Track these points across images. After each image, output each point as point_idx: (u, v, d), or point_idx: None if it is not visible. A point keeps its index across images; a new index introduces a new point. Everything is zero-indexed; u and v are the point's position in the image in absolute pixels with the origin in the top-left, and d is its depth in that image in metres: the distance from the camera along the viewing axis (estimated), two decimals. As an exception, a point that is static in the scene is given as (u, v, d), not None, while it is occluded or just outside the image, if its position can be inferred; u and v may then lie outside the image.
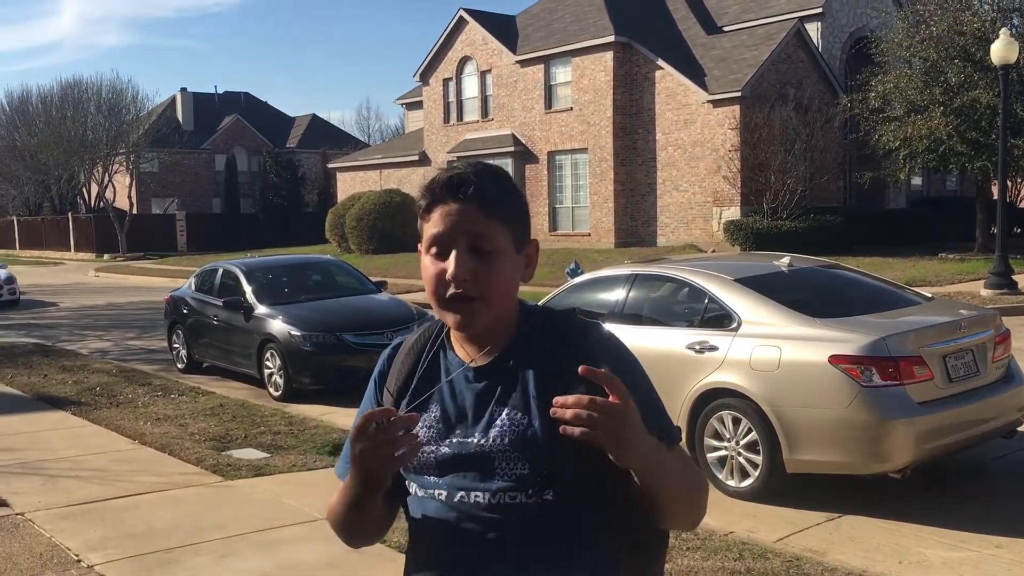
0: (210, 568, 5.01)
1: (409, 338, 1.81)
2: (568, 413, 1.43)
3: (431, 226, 1.63)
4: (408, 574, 1.73)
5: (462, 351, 1.71)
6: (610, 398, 1.44)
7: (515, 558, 1.59)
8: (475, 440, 1.62)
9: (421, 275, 1.68)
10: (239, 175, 53.20)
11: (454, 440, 1.64)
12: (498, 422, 1.61)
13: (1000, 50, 15.62)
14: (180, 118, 56.49)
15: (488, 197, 1.62)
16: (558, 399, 1.45)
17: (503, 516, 1.59)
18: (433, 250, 1.63)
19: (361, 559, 5.08)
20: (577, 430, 1.43)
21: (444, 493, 1.64)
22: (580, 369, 1.46)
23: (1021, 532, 5.16)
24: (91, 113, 48.95)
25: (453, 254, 1.60)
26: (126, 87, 49.65)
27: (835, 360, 5.51)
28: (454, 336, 1.72)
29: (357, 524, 1.72)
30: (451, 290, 1.60)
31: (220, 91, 61.48)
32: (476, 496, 1.61)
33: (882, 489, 5.79)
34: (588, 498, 1.60)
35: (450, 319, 1.65)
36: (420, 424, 1.65)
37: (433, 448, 1.65)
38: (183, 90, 58.36)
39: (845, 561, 4.78)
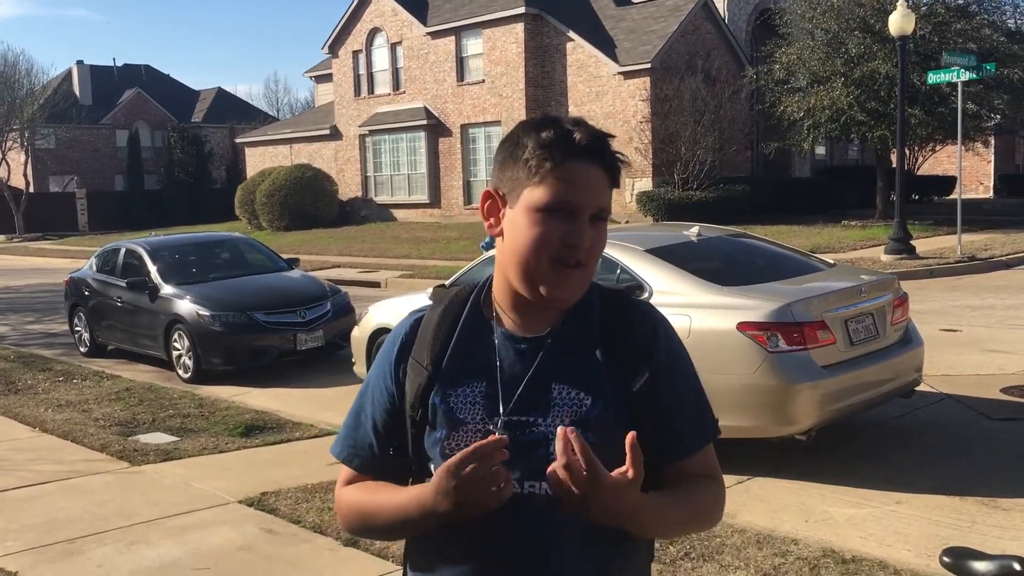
0: (117, 557, 4.86)
1: (435, 306, 1.65)
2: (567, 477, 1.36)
3: (558, 183, 1.47)
4: (423, 568, 1.59)
5: (509, 320, 1.58)
6: (628, 471, 1.38)
7: (577, 546, 1.50)
8: (538, 425, 1.50)
9: (511, 230, 1.52)
10: (142, 151, 51.30)
11: (506, 419, 1.51)
12: (557, 401, 1.50)
13: (897, 21, 16.10)
14: (78, 92, 54.11)
15: (615, 166, 1.53)
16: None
17: (548, 509, 1.47)
18: (554, 211, 1.48)
19: (275, 540, 5.00)
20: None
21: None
22: (566, 431, 1.36)
23: (920, 488, 5.38)
24: (-18, 87, 46.51)
25: (580, 220, 1.48)
26: (18, 59, 47.39)
27: (743, 327, 5.62)
28: (502, 303, 1.58)
29: (404, 533, 1.59)
30: (563, 255, 1.48)
31: (119, 64, 59.18)
32: (530, 487, 1.48)
33: (789, 451, 5.96)
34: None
35: (546, 286, 1.50)
36: (463, 399, 1.54)
37: (480, 427, 1.51)
38: (80, 63, 55.88)
39: (754, 522, 4.91)
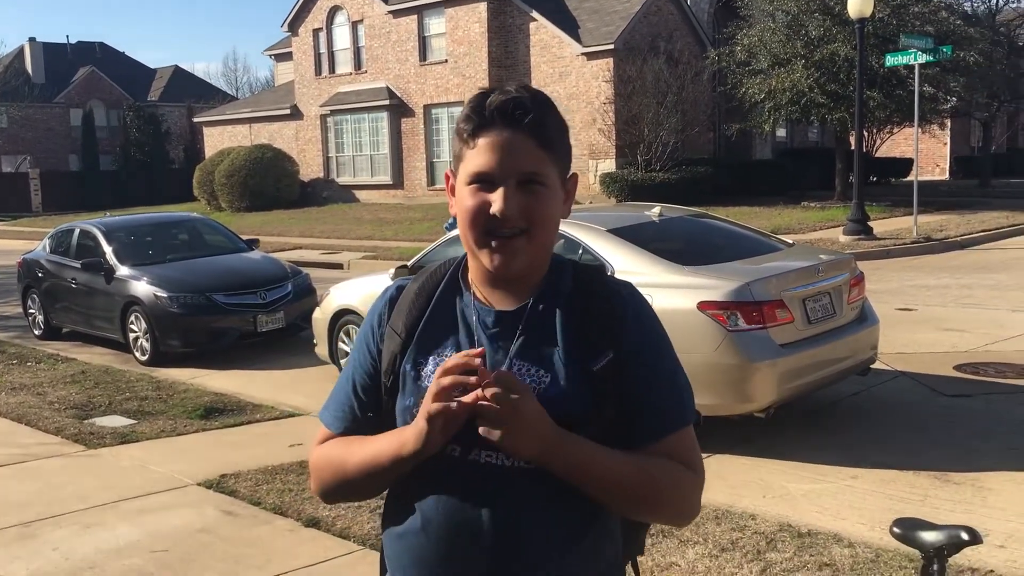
0: (73, 540, 4.79)
1: (416, 278, 1.67)
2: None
3: (478, 154, 1.48)
4: (391, 527, 1.61)
5: (482, 295, 1.58)
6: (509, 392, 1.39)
7: (526, 519, 1.49)
8: None
9: (455, 206, 1.53)
10: (97, 130, 50.40)
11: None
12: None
13: (856, 4, 16.23)
14: (30, 70, 52.91)
15: (545, 127, 1.48)
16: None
17: (516, 480, 1.48)
18: (477, 182, 1.49)
19: (234, 523, 4.96)
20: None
21: (458, 449, 1.50)
22: (493, 375, 1.40)
23: (875, 463, 5.48)
24: (-71, 65, 45.35)
25: (501, 189, 1.47)
26: (-33, 36, 46.20)
27: (703, 306, 5.67)
28: (475, 278, 1.59)
29: (384, 481, 1.57)
30: (494, 226, 1.48)
31: (73, 41, 57.97)
32: (488, 456, 1.49)
33: (748, 428, 6.03)
34: None
35: (486, 258, 1.51)
36: (432, 367, 1.54)
37: None
38: (32, 40, 54.66)
39: (712, 498, 4.96)
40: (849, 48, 20.58)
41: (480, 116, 1.49)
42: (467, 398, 1.40)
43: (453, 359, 1.43)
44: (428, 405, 1.43)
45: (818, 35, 22.08)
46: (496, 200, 1.47)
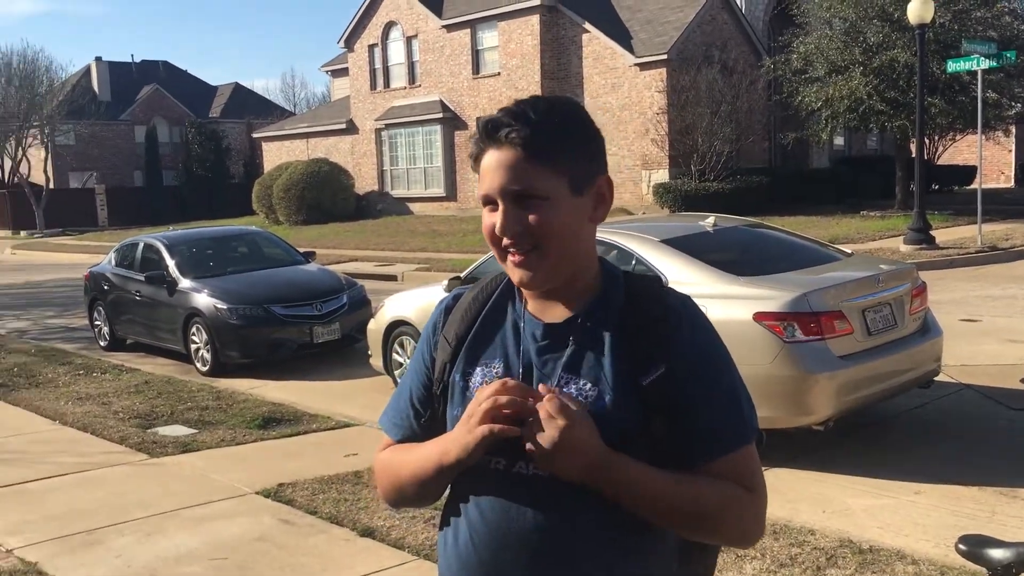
0: (135, 547, 4.90)
1: (472, 288, 1.69)
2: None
3: (482, 177, 1.52)
4: (443, 535, 1.62)
5: (534, 306, 1.58)
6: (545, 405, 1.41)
7: (572, 538, 1.48)
8: None
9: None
10: (160, 147, 51.64)
11: None
12: (564, 391, 1.48)
13: (916, 9, 15.93)
14: (96, 88, 54.48)
15: (530, 139, 1.47)
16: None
17: (563, 493, 1.46)
18: (485, 204, 1.53)
19: (291, 532, 5.02)
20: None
21: (503, 461, 1.49)
22: (540, 387, 1.43)
23: (938, 478, 5.34)
24: (1, 84, 46.89)
25: (500, 208, 1.49)
26: (39, 56, 47.79)
27: (759, 317, 5.60)
28: (524, 290, 1.60)
29: (433, 489, 1.60)
30: (504, 244, 1.51)
31: (137, 60, 59.55)
32: (534, 468, 1.47)
33: (806, 442, 5.93)
34: None
35: (512, 275, 1.54)
36: (480, 379, 1.56)
37: None
38: (98, 59, 56.28)
39: (769, 512, 4.86)
40: (909, 54, 20.19)
41: (477, 141, 1.53)
42: (505, 429, 1.42)
43: (491, 387, 1.44)
44: (467, 422, 1.45)
45: (877, 42, 21.71)
46: (497, 220, 1.51)
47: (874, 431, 6.40)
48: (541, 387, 1.45)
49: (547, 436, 1.38)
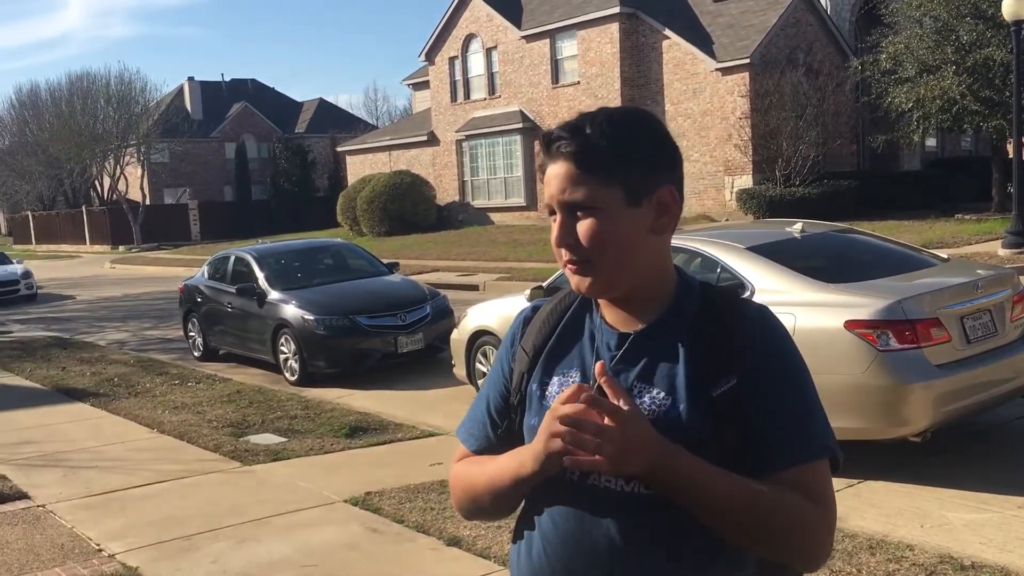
0: (229, 553, 5.03)
1: (551, 299, 1.70)
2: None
3: (545, 188, 1.55)
4: (516, 546, 1.63)
5: (609, 315, 1.59)
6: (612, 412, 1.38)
7: (646, 552, 1.46)
8: None
9: None
10: (249, 162, 53.20)
11: None
12: (638, 401, 1.48)
13: (1012, 5, 15.34)
14: (189, 107, 56.51)
15: (580, 151, 1.48)
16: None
17: (637, 505, 1.46)
18: (550, 214, 1.56)
19: (379, 540, 5.09)
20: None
21: (577, 473, 1.49)
22: (596, 368, 1.43)
23: (1044, 492, 5.11)
24: (100, 105, 49.07)
25: (557, 217, 1.53)
26: (134, 78, 50.02)
27: (850, 325, 5.44)
28: (603, 300, 1.61)
29: (509, 501, 1.61)
30: (562, 254, 1.54)
31: (227, 79, 61.48)
32: (607, 481, 1.48)
33: (902, 453, 5.74)
34: None
35: (571, 283, 1.57)
36: (557, 388, 1.57)
37: None
38: (190, 79, 58.33)
39: (866, 527, 4.74)
40: (1005, 52, 19.44)
41: (541, 154, 1.55)
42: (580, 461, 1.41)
43: (566, 393, 1.43)
44: (545, 434, 1.44)
45: (970, 40, 20.98)
46: (553, 229, 1.54)
47: (973, 443, 6.16)
48: (597, 366, 1.45)
49: (607, 435, 1.37)
